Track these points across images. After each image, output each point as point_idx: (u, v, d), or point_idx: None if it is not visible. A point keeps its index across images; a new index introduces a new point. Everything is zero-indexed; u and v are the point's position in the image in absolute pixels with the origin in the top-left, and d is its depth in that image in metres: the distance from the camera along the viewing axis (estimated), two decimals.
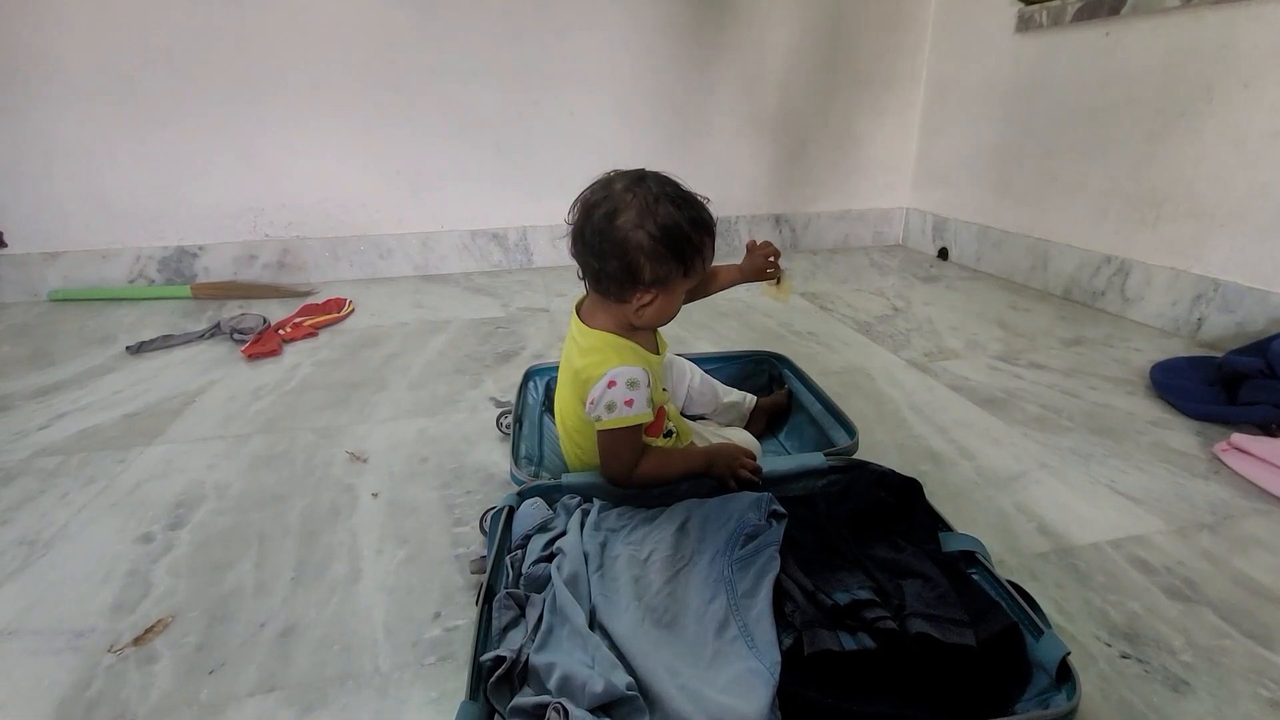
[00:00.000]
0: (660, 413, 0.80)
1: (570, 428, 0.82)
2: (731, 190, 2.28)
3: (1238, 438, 0.97)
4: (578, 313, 0.80)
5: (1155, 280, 1.52)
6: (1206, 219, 1.42)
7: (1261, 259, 1.32)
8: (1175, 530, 0.82)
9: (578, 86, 2.03)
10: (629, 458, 0.75)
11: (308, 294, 1.89)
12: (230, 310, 1.74)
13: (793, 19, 2.13)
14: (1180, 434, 1.05)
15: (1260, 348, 1.13)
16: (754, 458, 0.78)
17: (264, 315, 1.63)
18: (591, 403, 0.72)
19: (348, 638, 0.68)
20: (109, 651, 0.66)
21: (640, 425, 0.73)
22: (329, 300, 1.76)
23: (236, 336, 1.52)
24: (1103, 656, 0.64)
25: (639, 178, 0.72)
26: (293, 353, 1.46)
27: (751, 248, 0.94)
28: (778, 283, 0.94)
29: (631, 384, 0.71)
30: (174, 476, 0.97)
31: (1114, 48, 1.58)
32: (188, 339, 1.53)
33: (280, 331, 1.54)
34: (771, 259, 0.93)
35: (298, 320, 1.61)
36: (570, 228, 0.74)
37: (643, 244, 0.68)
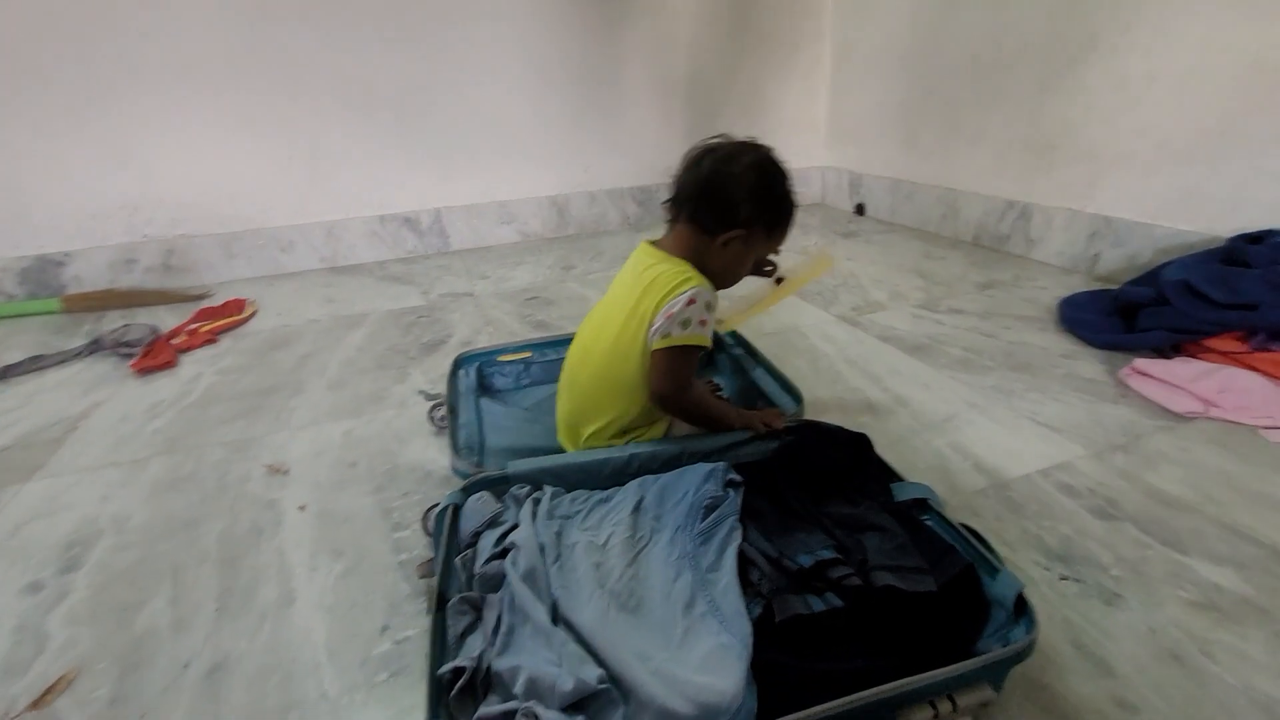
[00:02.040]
0: None
1: (598, 367, 0.79)
2: (648, 159, 2.24)
3: (1139, 362, 1.05)
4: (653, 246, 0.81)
5: (1054, 221, 1.62)
6: (1095, 160, 1.51)
7: (1145, 195, 1.42)
8: (1093, 454, 0.88)
9: (481, 58, 1.92)
10: (687, 377, 0.76)
11: (201, 297, 1.72)
12: (111, 322, 1.56)
13: None
14: (1089, 363, 1.12)
15: (1151, 277, 1.22)
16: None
17: (152, 325, 1.47)
18: (668, 316, 0.72)
19: (287, 666, 0.62)
20: None
21: (700, 349, 0.75)
22: (227, 302, 1.61)
23: (122, 350, 1.36)
24: (1044, 580, 0.68)
25: (754, 142, 0.78)
26: (190, 362, 1.33)
27: None
28: (778, 281, 0.93)
29: (709, 306, 0.74)
30: (61, 514, 0.86)
31: (1002, 0, 1.64)
32: (62, 358, 1.36)
33: (173, 341, 1.39)
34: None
35: (193, 326, 1.47)
36: (684, 161, 0.78)
37: (751, 184, 0.75)
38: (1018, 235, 1.72)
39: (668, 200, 0.79)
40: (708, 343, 0.74)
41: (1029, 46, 1.60)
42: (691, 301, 0.72)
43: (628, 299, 0.76)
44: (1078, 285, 1.47)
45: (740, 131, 0.83)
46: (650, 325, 0.74)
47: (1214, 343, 1.05)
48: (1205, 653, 0.59)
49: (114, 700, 0.60)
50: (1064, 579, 0.68)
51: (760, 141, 0.78)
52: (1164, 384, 0.99)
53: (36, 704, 0.60)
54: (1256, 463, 0.85)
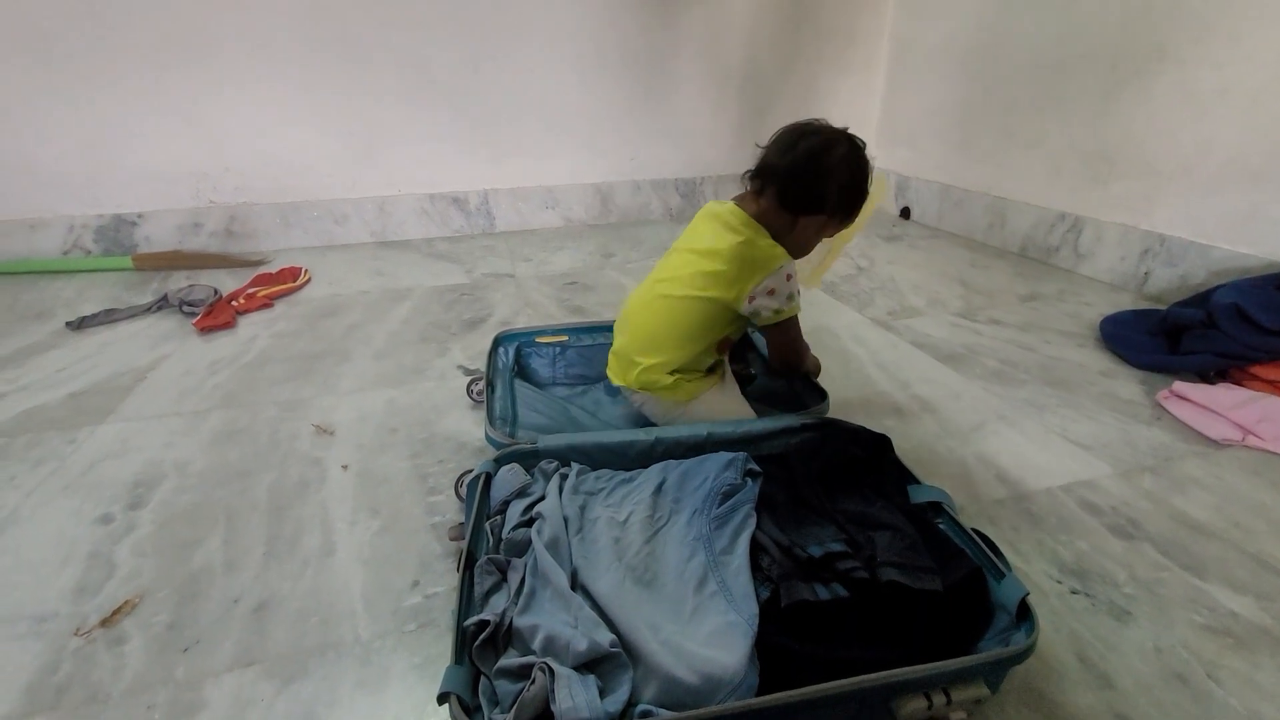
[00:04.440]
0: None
1: (664, 311, 0.83)
2: (697, 150, 2.25)
3: (1179, 385, 1.03)
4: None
5: (1106, 236, 1.58)
6: (1155, 175, 1.46)
7: (1204, 214, 1.38)
8: (1121, 474, 0.87)
9: (536, 42, 1.96)
10: (802, 341, 0.88)
11: (260, 263, 1.81)
12: (177, 281, 1.66)
13: None
14: (1127, 383, 1.11)
15: (1201, 299, 1.19)
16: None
17: (214, 286, 1.56)
18: (769, 293, 0.79)
19: (325, 609, 0.67)
20: (75, 635, 0.65)
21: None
22: (283, 269, 1.70)
23: (186, 309, 1.45)
24: (1054, 593, 0.69)
25: (848, 132, 0.83)
26: (248, 324, 1.41)
27: None
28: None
29: (794, 276, 0.81)
30: (130, 455, 0.94)
31: (1071, 4, 1.60)
32: (133, 313, 1.45)
33: (233, 303, 1.48)
34: None
35: (251, 291, 1.55)
36: (778, 138, 0.82)
37: (842, 176, 0.80)
38: (1066, 248, 1.68)
39: (752, 172, 0.83)
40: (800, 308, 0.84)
41: (1094, 53, 1.56)
42: (789, 276, 0.80)
43: (712, 258, 0.81)
44: (1125, 303, 1.44)
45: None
46: (747, 297, 0.79)
47: (1260, 370, 1.03)
48: (1212, 676, 0.59)
49: (172, 626, 0.66)
50: (1074, 593, 0.68)
51: (851, 132, 0.82)
52: (1202, 409, 0.97)
53: (105, 622, 0.66)
54: None
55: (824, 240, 0.89)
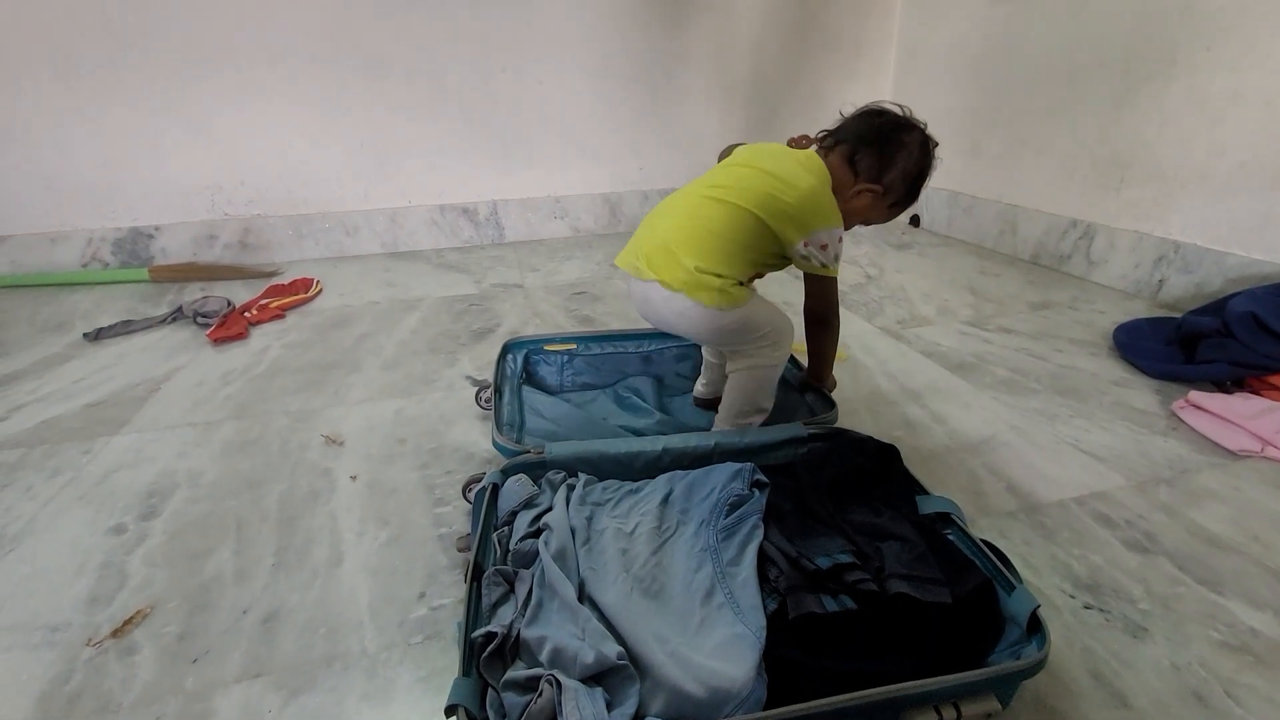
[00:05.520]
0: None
1: (712, 221, 0.81)
2: (704, 159, 2.24)
3: (1195, 395, 1.01)
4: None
5: (1119, 243, 1.56)
6: (1168, 181, 1.45)
7: (1219, 220, 1.36)
8: (1135, 485, 0.86)
9: (545, 54, 1.98)
10: (838, 301, 0.89)
11: (273, 274, 1.84)
12: (192, 293, 1.69)
13: None
14: (1141, 393, 1.09)
15: (1217, 307, 1.17)
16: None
17: (228, 298, 1.58)
18: (822, 246, 0.81)
19: (333, 621, 0.68)
20: (88, 645, 0.65)
21: None
22: (295, 280, 1.72)
23: (200, 320, 1.47)
24: (1067, 608, 0.68)
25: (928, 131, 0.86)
26: (260, 336, 1.42)
27: None
28: None
29: (843, 242, 0.84)
30: (144, 466, 0.95)
31: (1082, 9, 1.59)
32: (149, 324, 1.47)
33: (246, 314, 1.49)
34: None
35: (264, 302, 1.57)
36: (863, 108, 0.86)
37: (911, 158, 0.83)
38: (1079, 256, 1.66)
39: (827, 131, 0.86)
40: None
41: (1105, 59, 1.55)
42: (840, 239, 0.82)
43: (785, 189, 0.80)
44: (1139, 311, 1.42)
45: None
46: (803, 241, 0.80)
47: (1278, 380, 1.01)
48: (1231, 695, 0.58)
49: (182, 636, 0.66)
50: (1088, 608, 0.67)
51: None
52: (1219, 419, 0.96)
53: (117, 633, 0.67)
54: None
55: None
